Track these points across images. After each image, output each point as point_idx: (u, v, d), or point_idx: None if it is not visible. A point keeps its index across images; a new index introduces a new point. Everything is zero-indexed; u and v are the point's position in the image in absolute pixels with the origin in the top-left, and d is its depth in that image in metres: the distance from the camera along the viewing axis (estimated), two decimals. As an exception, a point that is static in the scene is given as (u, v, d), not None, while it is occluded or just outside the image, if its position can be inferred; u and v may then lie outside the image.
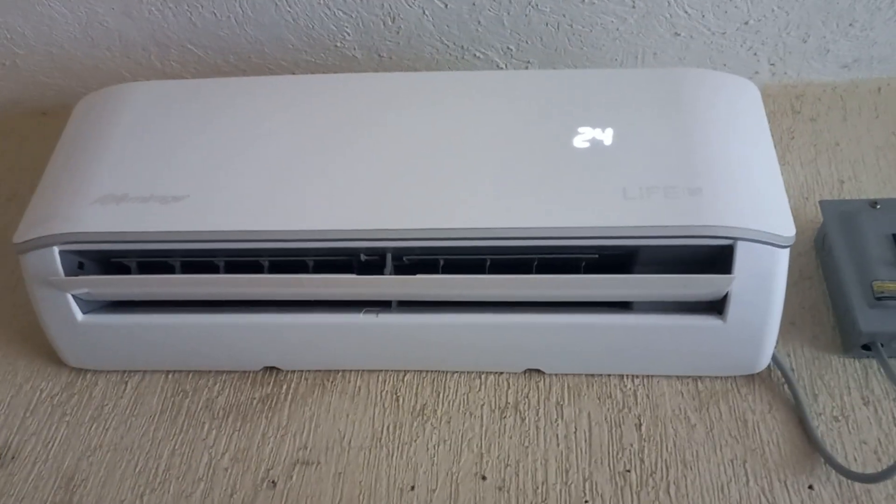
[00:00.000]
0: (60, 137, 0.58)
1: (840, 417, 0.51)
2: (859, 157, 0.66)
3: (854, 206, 0.57)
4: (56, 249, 0.51)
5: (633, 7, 0.67)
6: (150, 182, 0.52)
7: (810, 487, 0.49)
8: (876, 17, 0.68)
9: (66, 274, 0.51)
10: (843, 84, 0.73)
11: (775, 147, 0.52)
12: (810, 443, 0.50)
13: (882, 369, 0.53)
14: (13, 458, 0.54)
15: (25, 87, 0.78)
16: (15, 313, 0.62)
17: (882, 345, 0.51)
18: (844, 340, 0.55)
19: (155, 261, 0.52)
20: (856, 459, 0.50)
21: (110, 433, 0.55)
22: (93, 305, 0.54)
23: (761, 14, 0.67)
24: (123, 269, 0.53)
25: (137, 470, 0.53)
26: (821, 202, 0.58)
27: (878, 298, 0.51)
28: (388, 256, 0.49)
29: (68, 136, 0.58)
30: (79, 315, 0.53)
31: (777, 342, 0.51)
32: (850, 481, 0.48)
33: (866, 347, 0.52)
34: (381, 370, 0.56)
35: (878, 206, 0.56)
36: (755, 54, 0.71)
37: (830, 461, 0.49)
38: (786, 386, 0.53)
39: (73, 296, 0.53)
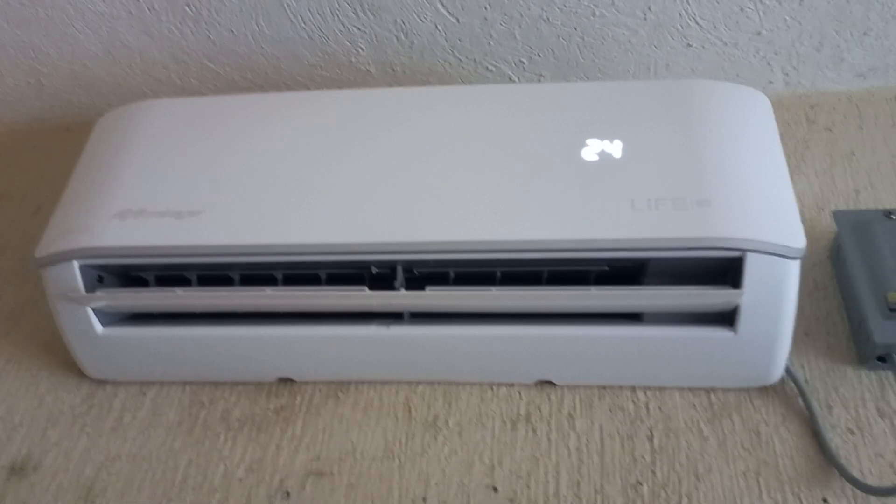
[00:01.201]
0: (81, 154, 0.59)
1: (855, 430, 0.51)
2: (875, 166, 0.66)
3: (868, 216, 0.56)
4: (76, 264, 0.52)
5: (645, 19, 0.68)
6: (168, 197, 0.53)
7: (825, 501, 0.48)
8: (891, 25, 0.67)
9: (86, 288, 0.52)
10: (858, 93, 0.72)
11: (789, 157, 0.52)
12: (825, 455, 0.50)
13: (898, 381, 0.52)
14: (35, 468, 0.55)
15: (49, 104, 0.80)
16: (38, 326, 0.63)
17: (898, 356, 0.51)
18: (859, 352, 0.54)
19: (172, 274, 0.53)
20: (871, 472, 0.49)
21: (129, 444, 0.56)
22: (112, 318, 0.55)
23: (773, 24, 0.67)
24: (142, 283, 0.54)
25: (155, 480, 0.53)
26: (834, 212, 0.57)
27: (893, 310, 0.51)
28: (399, 269, 0.50)
29: (88, 152, 0.59)
30: (98, 328, 0.54)
31: (791, 353, 0.51)
32: (865, 495, 0.48)
33: (881, 359, 0.52)
34: (394, 381, 0.57)
35: (894, 217, 0.56)
36: (768, 64, 0.71)
37: (845, 474, 0.48)
38: (800, 398, 0.53)
39: (92, 309, 0.54)
